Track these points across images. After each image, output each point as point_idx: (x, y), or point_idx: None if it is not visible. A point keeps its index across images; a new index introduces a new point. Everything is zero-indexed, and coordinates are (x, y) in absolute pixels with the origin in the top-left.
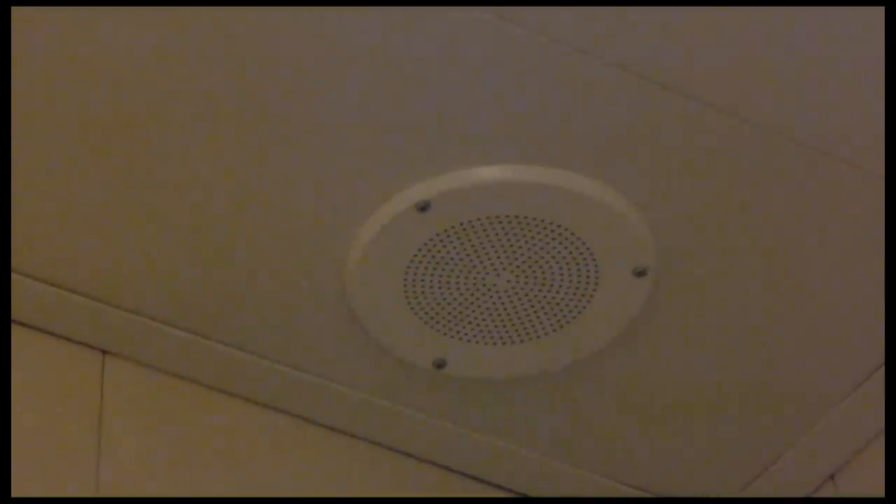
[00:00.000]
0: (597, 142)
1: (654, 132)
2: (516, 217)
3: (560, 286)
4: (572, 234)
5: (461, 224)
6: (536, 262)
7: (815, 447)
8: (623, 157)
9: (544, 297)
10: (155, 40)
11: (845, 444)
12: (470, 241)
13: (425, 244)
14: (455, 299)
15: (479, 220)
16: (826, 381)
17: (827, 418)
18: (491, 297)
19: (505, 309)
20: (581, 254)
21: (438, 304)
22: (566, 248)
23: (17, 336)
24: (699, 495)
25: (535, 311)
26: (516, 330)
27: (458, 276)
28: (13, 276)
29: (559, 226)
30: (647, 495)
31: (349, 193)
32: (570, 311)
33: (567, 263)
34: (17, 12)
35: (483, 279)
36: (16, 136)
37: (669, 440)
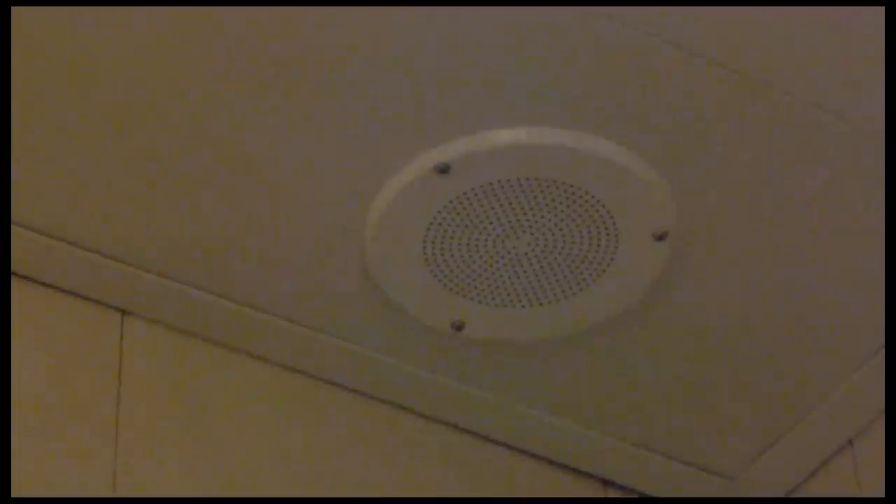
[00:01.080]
0: (618, 105)
1: (676, 96)
2: (536, 180)
3: (579, 249)
4: (592, 196)
5: (481, 186)
6: (556, 224)
7: (833, 414)
8: (644, 120)
9: (563, 260)
10: None
11: (865, 410)
12: (490, 203)
13: (445, 206)
14: (474, 261)
15: (499, 182)
16: (847, 348)
17: (847, 384)
18: (510, 259)
19: (524, 271)
20: (601, 217)
21: (457, 266)
22: (586, 210)
23: (36, 295)
24: (715, 461)
25: (554, 274)
26: (535, 293)
27: (477, 239)
28: (31, 234)
29: (579, 188)
30: (666, 458)
31: (369, 155)
32: (590, 275)
33: (587, 226)
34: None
35: (502, 242)
36: (31, 94)
37: (686, 405)
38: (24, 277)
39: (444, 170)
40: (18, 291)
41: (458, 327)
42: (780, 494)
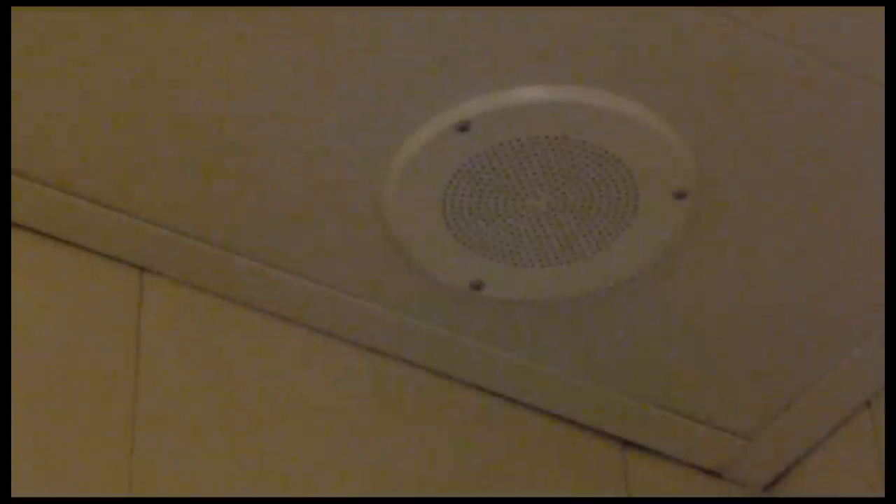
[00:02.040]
0: (639, 63)
1: (697, 54)
2: (556, 138)
3: (599, 208)
4: (612, 155)
5: (501, 145)
6: (576, 183)
7: (851, 374)
8: (665, 78)
9: (583, 219)
10: None
11: (881, 370)
12: (510, 161)
13: (465, 164)
14: (493, 220)
15: (519, 140)
16: (863, 307)
17: (864, 346)
18: (530, 218)
19: (544, 230)
20: (621, 175)
21: (477, 225)
22: (606, 169)
23: (55, 252)
24: (734, 421)
25: (573, 234)
26: (554, 252)
27: (497, 198)
28: (49, 190)
29: (599, 147)
30: (684, 418)
31: (389, 112)
32: (609, 234)
33: (606, 185)
34: None
35: (522, 200)
36: (60, 53)
37: (704, 365)
38: (42, 234)
39: (464, 128)
40: (36, 248)
41: (477, 286)
42: (798, 455)
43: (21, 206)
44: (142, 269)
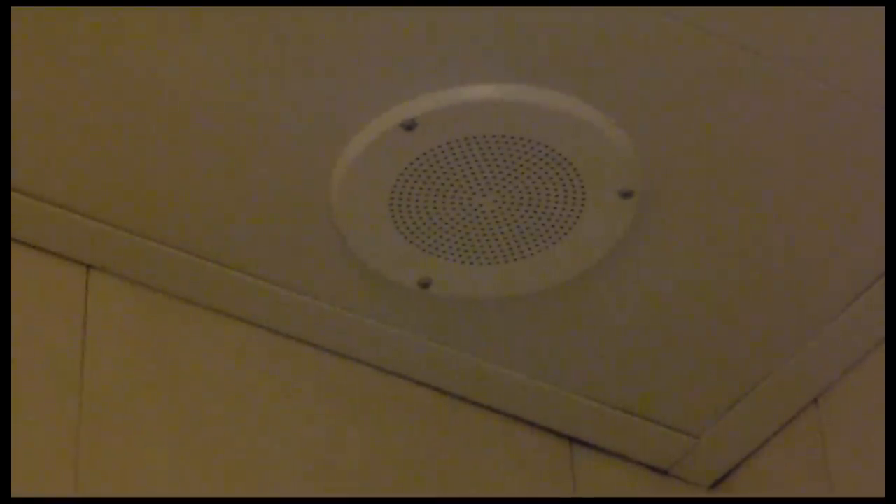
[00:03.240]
0: (585, 63)
1: (643, 54)
2: (503, 137)
3: (546, 207)
4: (559, 154)
5: (448, 143)
6: (523, 182)
7: (798, 373)
8: (611, 78)
9: (530, 217)
10: None
11: (830, 369)
12: (457, 160)
13: (411, 163)
14: (441, 218)
15: (465, 139)
16: (808, 307)
17: (810, 344)
18: (477, 216)
19: (491, 229)
20: (568, 174)
21: (424, 223)
22: (553, 168)
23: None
24: (680, 419)
25: (521, 232)
26: (502, 250)
27: (444, 196)
28: None
29: (546, 146)
30: (632, 416)
31: (336, 110)
32: (556, 233)
33: (553, 184)
34: None
35: (469, 199)
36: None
37: (651, 362)
38: None
39: (410, 126)
40: None
41: (425, 284)
42: (744, 453)
43: None
44: (88, 266)
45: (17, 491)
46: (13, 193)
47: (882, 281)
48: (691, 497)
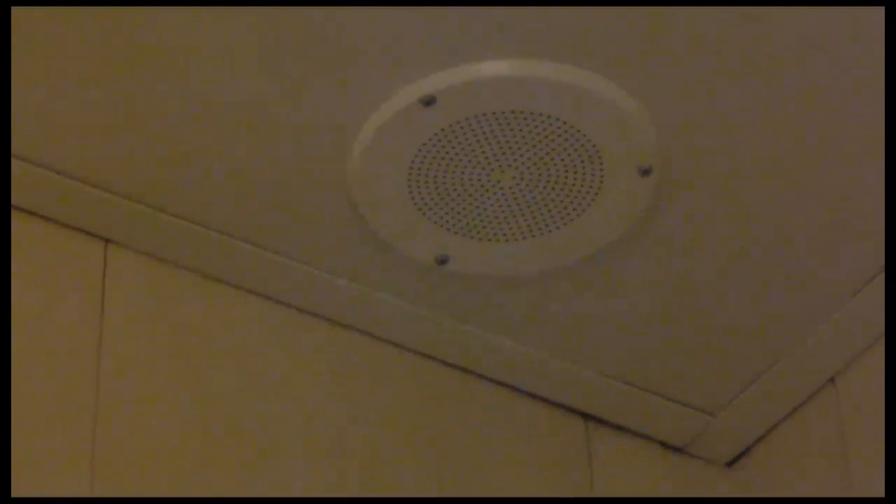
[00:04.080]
0: (605, 39)
1: (663, 31)
2: (522, 113)
3: (564, 184)
4: (578, 131)
5: (466, 119)
6: (541, 159)
7: (816, 351)
8: (631, 55)
9: (548, 194)
10: None
11: (847, 348)
12: (475, 136)
13: (430, 139)
14: (459, 195)
15: (484, 115)
16: (826, 286)
17: (827, 322)
18: (495, 193)
19: (509, 206)
20: (587, 151)
21: (442, 199)
22: (572, 145)
23: (20, 222)
24: (696, 396)
25: (538, 209)
26: (519, 227)
27: (462, 172)
28: (14, 161)
29: (565, 122)
30: (648, 393)
31: (354, 86)
32: (574, 210)
33: (572, 161)
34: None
35: (487, 175)
36: (18, 19)
37: (668, 340)
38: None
39: (429, 102)
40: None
41: (442, 261)
42: (761, 431)
43: None
44: (107, 240)
45: (35, 470)
46: (31, 167)
47: None
48: (703, 497)
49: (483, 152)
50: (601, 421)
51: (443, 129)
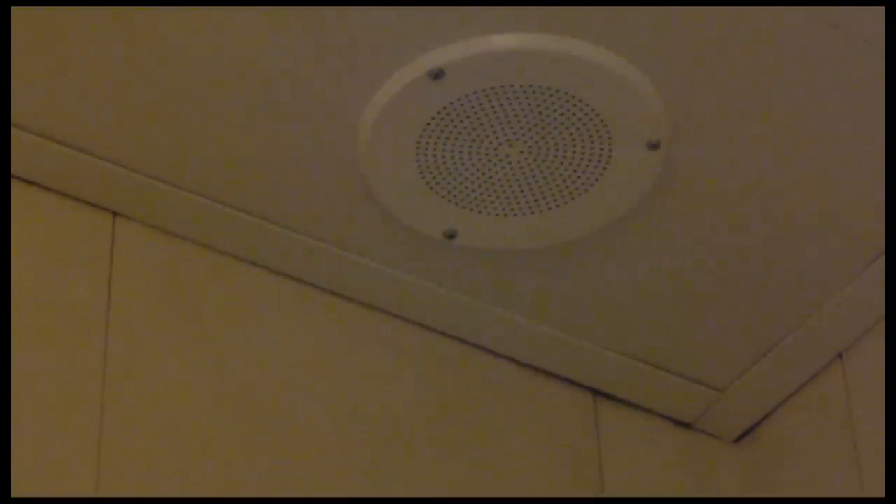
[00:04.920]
0: (614, 13)
1: (675, 7)
2: (531, 87)
3: (573, 158)
4: (587, 105)
5: (475, 93)
6: (550, 133)
7: (823, 327)
8: (640, 28)
9: (557, 168)
10: None
11: (856, 324)
12: (483, 110)
13: (438, 113)
14: (467, 169)
15: (493, 89)
16: (833, 262)
17: (835, 298)
18: (503, 167)
19: (517, 180)
20: (595, 125)
21: (450, 173)
22: (580, 119)
23: (24, 195)
24: (705, 372)
25: (546, 183)
26: (527, 201)
27: (470, 146)
28: (19, 132)
29: (573, 96)
30: (656, 369)
31: (363, 60)
32: (583, 184)
33: (580, 135)
34: None
35: (496, 149)
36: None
37: (677, 316)
38: (15, 177)
39: (437, 75)
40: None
41: (451, 235)
42: (769, 408)
43: None
44: (114, 213)
45: (43, 443)
46: (40, 139)
47: None
48: (718, 497)
49: (491, 126)
50: (610, 396)
51: (451, 103)
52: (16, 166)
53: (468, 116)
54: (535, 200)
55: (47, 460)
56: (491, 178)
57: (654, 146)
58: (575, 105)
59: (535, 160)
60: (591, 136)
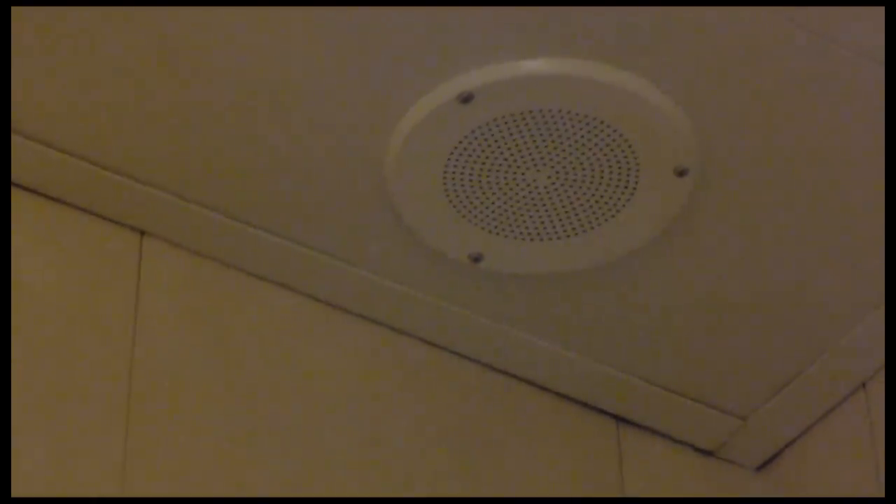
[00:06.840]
0: (644, 38)
1: (702, 32)
2: (559, 111)
3: (600, 184)
4: (615, 130)
5: (503, 117)
6: (577, 158)
7: (847, 357)
8: (669, 54)
9: (584, 194)
10: None
11: (879, 354)
12: (511, 134)
13: (466, 136)
14: (494, 193)
15: (521, 113)
16: (865, 289)
17: (861, 328)
18: (530, 192)
19: (543, 204)
20: (622, 151)
21: (477, 197)
22: (608, 144)
23: (55, 214)
24: (728, 400)
25: (573, 208)
26: (554, 226)
27: (497, 170)
28: (50, 151)
29: (602, 122)
30: (680, 397)
31: (392, 82)
32: (609, 210)
33: (608, 160)
34: None
35: (523, 174)
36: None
37: (700, 343)
38: (43, 195)
39: (466, 99)
40: (36, 209)
41: (476, 259)
42: (791, 436)
43: (22, 166)
44: (142, 232)
45: (68, 455)
46: (69, 158)
47: None
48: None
49: (519, 150)
50: (633, 423)
51: (480, 127)
52: (43, 184)
53: (496, 140)
54: (562, 225)
55: (73, 476)
56: (517, 202)
57: (681, 173)
58: (603, 131)
59: (562, 185)
60: (618, 162)
